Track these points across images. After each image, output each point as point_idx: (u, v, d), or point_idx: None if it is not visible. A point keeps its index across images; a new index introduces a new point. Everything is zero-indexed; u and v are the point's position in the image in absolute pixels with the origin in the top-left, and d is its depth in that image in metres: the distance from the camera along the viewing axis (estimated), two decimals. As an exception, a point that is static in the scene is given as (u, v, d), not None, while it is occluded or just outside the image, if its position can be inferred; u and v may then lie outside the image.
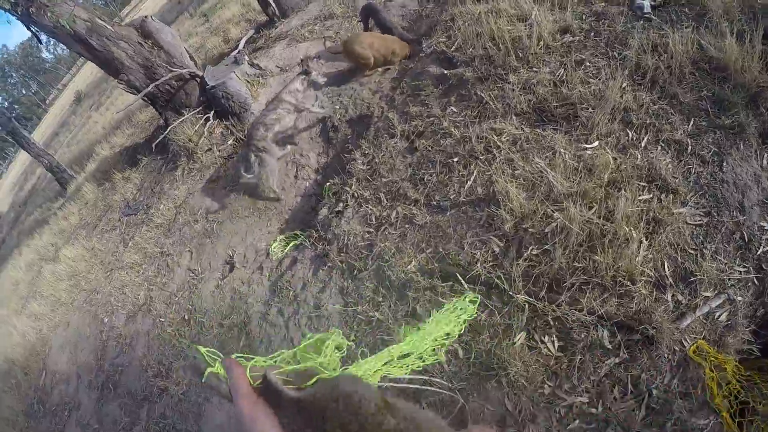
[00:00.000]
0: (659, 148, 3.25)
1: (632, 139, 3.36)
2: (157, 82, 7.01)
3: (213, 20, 14.91)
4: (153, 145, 7.37)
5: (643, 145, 3.29)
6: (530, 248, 3.06)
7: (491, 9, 5.05)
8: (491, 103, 4.02)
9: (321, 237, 4.41)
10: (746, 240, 2.78)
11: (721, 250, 2.77)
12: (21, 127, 12.20)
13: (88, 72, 41.17)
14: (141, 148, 9.16)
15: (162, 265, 6.18)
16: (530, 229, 3.12)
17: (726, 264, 2.71)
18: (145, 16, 7.34)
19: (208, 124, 7.10)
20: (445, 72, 4.79)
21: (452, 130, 4.05)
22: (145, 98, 7.37)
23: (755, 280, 2.65)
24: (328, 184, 5.03)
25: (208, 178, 6.73)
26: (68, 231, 9.27)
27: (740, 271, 2.69)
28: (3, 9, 6.57)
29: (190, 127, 7.15)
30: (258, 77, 7.27)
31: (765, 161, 3.04)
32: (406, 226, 3.78)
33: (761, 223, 2.81)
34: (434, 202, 3.76)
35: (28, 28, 7.07)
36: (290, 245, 4.93)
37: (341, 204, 4.52)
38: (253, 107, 6.93)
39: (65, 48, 7.69)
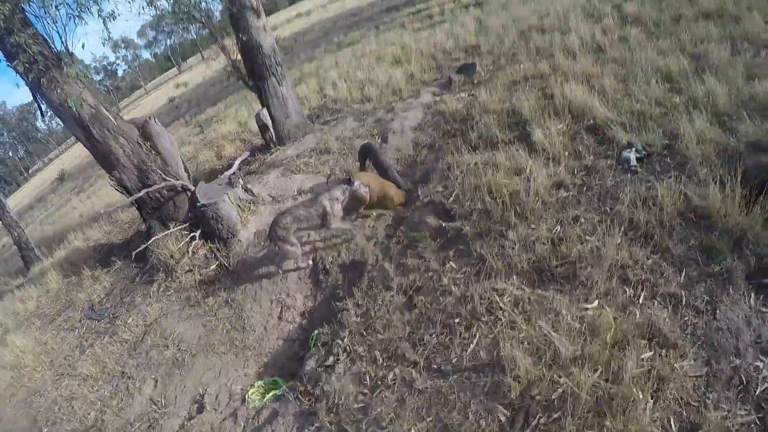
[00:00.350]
0: (656, 303, 3.72)
1: (630, 296, 3.85)
2: (149, 189, 7.58)
3: (208, 132, 16.27)
4: (133, 253, 7.52)
5: (640, 301, 3.77)
6: (538, 417, 3.35)
7: (487, 161, 5.78)
8: (492, 261, 4.57)
9: (307, 391, 4.58)
10: (745, 383, 3.12)
11: (722, 398, 3.08)
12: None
13: (76, 153, 43.18)
14: (117, 249, 9.50)
15: (121, 386, 6.16)
16: (537, 397, 3.41)
17: (728, 411, 3.02)
18: (149, 117, 8.12)
19: (193, 243, 7.46)
20: (444, 224, 5.46)
21: (452, 288, 4.51)
22: (133, 201, 7.86)
23: (757, 420, 2.94)
24: (316, 332, 5.34)
25: (186, 302, 6.93)
26: (22, 315, 9.18)
27: (742, 415, 2.99)
28: (15, 70, 6.98)
29: (174, 242, 7.53)
30: (250, 203, 7.84)
31: (752, 301, 3.51)
32: (405, 389, 4.03)
33: (756, 363, 3.18)
34: (435, 366, 4.06)
35: (34, 97, 7.65)
36: (270, 394, 5.06)
37: (331, 357, 4.77)
38: (241, 234, 7.38)
39: (60, 123, 8.14)
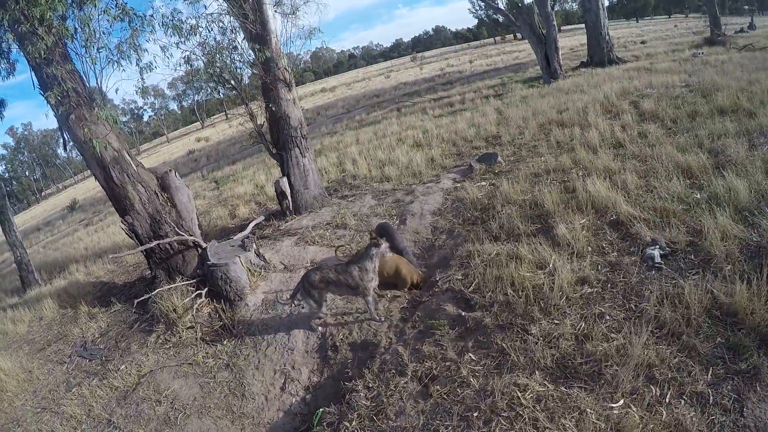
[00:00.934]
0: (683, 402, 3.56)
1: (656, 395, 3.68)
2: (160, 241, 7.52)
3: (223, 190, 16.45)
4: (135, 301, 7.43)
5: (667, 400, 3.60)
6: None
7: (510, 252, 5.74)
8: (514, 356, 4.44)
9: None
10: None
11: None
12: (9, 207, 12.55)
13: (91, 186, 43.33)
14: (118, 290, 9.30)
15: (105, 434, 5.84)
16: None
17: None
18: (169, 170, 8.17)
19: (198, 300, 7.30)
20: (463, 314, 5.35)
21: (471, 380, 4.37)
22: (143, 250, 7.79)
23: None
24: (321, 410, 5.10)
25: (184, 359, 6.66)
26: (11, 337, 8.81)
27: None
28: (47, 101, 7.06)
29: (179, 296, 7.35)
30: (261, 269, 7.74)
31: (780, 399, 3.40)
32: (419, 483, 3.82)
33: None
34: (453, 462, 3.87)
35: (60, 129, 7.72)
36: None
37: (339, 441, 4.54)
38: (249, 298, 7.23)
39: (80, 155, 8.12)
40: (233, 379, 6.23)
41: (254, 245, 7.87)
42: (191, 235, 7.94)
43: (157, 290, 7.49)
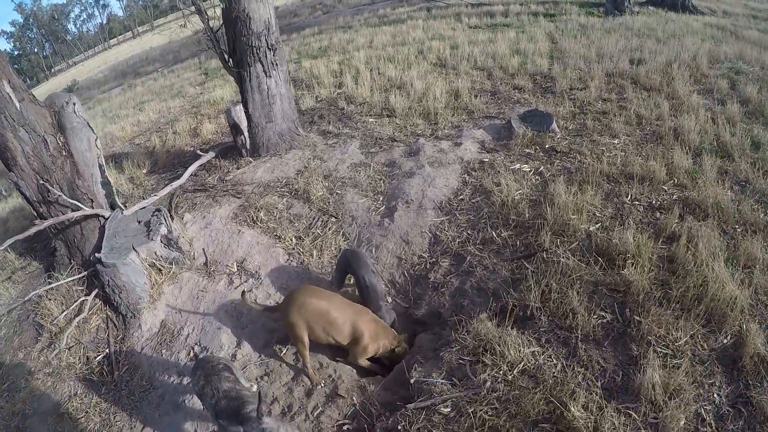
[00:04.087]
0: None
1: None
2: (43, 224, 5.06)
3: (207, 87, 13.38)
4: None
5: None
6: None
7: (550, 379, 2.95)
8: None
9: None
10: None
11: None
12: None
13: (96, 65, 39.47)
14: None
15: None
16: None
17: None
18: (68, 99, 5.34)
19: (85, 307, 5.03)
20: None
21: None
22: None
23: None
24: None
25: (59, 401, 4.55)
26: None
27: None
28: None
29: (60, 301, 5.19)
30: (172, 263, 5.14)
31: None
32: None
33: None
34: None
35: None
36: None
37: None
38: (144, 317, 4.83)
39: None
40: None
41: (165, 227, 5.14)
42: (90, 200, 5.37)
43: (35, 291, 5.31)
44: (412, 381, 3.49)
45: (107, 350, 4.78)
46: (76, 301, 5.08)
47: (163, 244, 5.02)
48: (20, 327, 5.40)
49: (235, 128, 6.74)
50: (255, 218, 5.55)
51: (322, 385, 3.86)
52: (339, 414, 3.65)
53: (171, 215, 5.43)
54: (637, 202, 4.67)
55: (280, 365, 4.14)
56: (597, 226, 4.39)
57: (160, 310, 4.81)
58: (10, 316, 5.53)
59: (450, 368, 3.44)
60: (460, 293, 4.17)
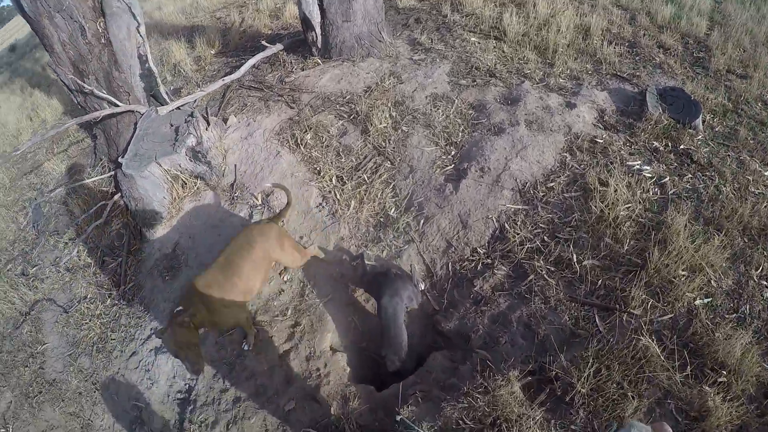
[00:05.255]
0: None
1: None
2: (81, 119, 4.83)
3: None
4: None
5: None
6: None
7: None
8: None
9: None
10: None
11: None
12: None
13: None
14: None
15: None
16: None
17: None
18: None
19: (104, 213, 4.90)
20: None
21: None
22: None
23: None
24: None
25: (73, 299, 4.60)
26: None
27: None
28: None
29: (85, 200, 5.19)
30: (198, 177, 4.65)
31: None
32: None
33: None
34: None
35: None
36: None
37: None
38: (158, 232, 4.46)
39: None
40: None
41: (194, 137, 4.50)
42: (127, 93, 4.99)
43: (73, 183, 5.38)
44: (398, 419, 2.85)
45: (119, 259, 4.56)
46: (97, 204, 4.88)
47: (188, 157, 4.44)
48: (58, 210, 5.31)
49: (305, 22, 5.68)
50: (300, 140, 4.75)
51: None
52: (309, 419, 3.16)
53: (207, 120, 4.80)
54: (765, 283, 3.23)
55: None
56: (707, 302, 3.09)
57: (173, 230, 4.37)
58: (55, 195, 5.44)
59: (445, 428, 2.72)
60: (502, 322, 3.26)
